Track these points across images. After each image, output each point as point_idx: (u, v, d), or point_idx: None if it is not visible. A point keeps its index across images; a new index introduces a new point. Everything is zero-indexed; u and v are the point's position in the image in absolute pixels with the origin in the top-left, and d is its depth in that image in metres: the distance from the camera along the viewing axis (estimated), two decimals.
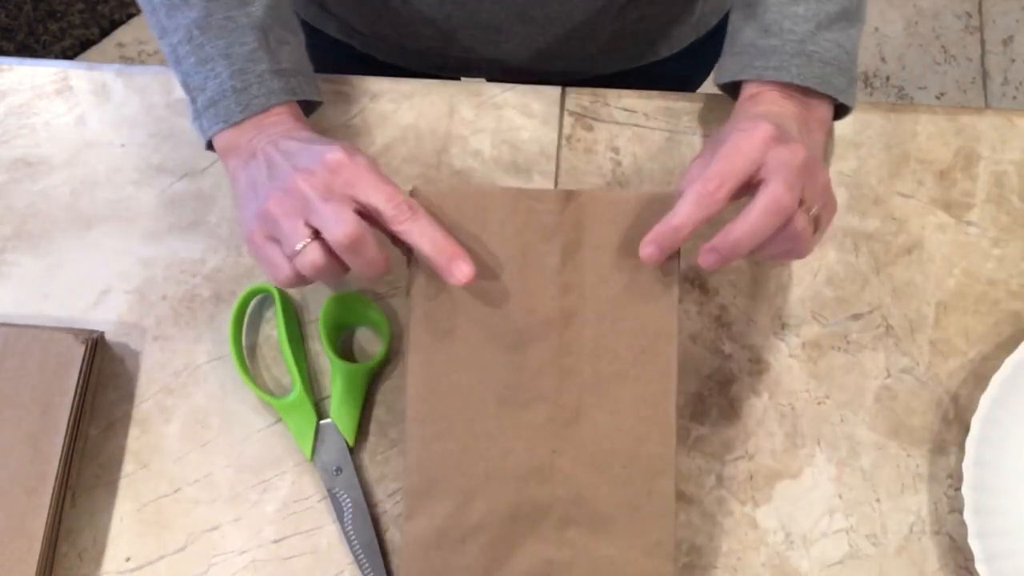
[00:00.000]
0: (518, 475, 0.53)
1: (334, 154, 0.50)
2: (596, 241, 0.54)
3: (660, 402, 0.53)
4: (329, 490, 0.57)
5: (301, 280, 0.52)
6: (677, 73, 0.83)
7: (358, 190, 0.50)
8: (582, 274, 0.54)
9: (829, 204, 0.53)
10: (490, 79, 0.86)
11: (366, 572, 0.55)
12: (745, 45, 0.57)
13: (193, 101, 0.56)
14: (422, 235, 0.50)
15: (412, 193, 0.54)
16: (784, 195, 0.48)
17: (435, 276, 0.53)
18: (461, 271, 0.50)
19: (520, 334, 0.54)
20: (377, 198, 0.50)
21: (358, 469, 0.58)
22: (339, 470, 0.57)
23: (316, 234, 0.50)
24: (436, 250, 0.50)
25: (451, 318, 0.54)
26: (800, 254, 0.52)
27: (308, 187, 0.50)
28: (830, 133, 0.65)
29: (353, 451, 0.58)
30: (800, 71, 0.55)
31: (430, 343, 0.53)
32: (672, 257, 0.53)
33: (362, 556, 0.56)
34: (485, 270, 0.54)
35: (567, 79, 0.70)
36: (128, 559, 0.57)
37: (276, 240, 0.51)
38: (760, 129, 0.50)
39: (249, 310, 0.61)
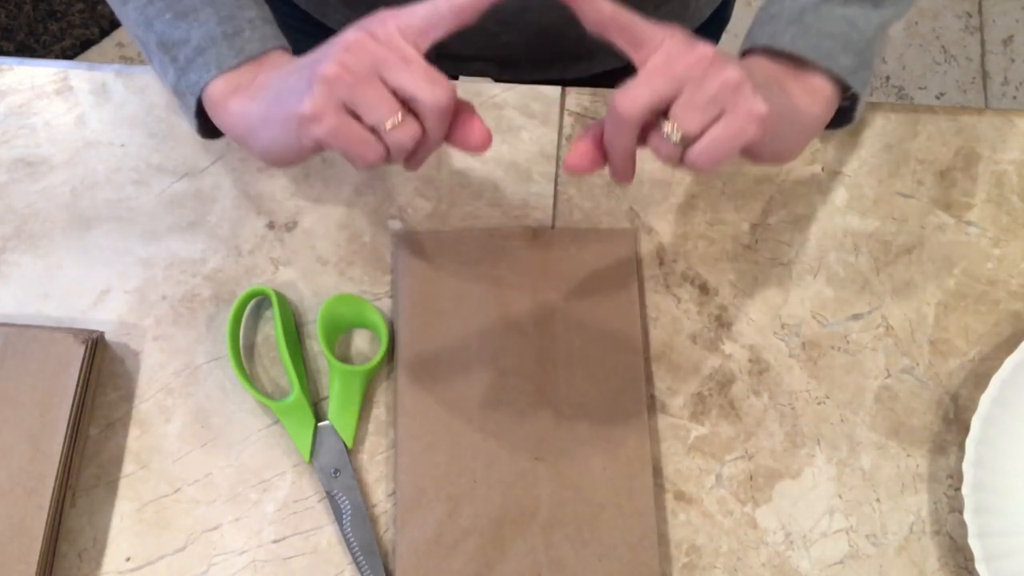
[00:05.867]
0: (503, 481, 0.56)
1: (369, 24, 0.44)
2: (563, 271, 0.61)
3: (633, 407, 0.58)
4: (328, 492, 0.57)
5: (387, 160, 0.46)
6: None
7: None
8: (553, 300, 0.60)
9: (736, 111, 0.44)
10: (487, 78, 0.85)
11: (365, 574, 0.55)
12: (756, 15, 0.56)
13: (174, 59, 0.51)
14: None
15: (395, 239, 0.61)
16: (626, 105, 0.44)
17: (421, 299, 0.59)
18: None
19: (500, 355, 0.59)
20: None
21: (356, 470, 0.58)
22: (337, 472, 0.57)
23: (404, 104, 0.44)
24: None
25: (437, 342, 0.59)
26: (694, 166, 0.45)
27: (374, 44, 0.43)
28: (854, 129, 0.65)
29: (351, 452, 0.58)
30: (793, 39, 0.52)
31: (418, 365, 0.58)
32: (631, 279, 0.60)
33: (361, 558, 0.56)
34: (465, 302, 0.59)
35: (564, 80, 0.69)
36: (128, 559, 0.57)
37: (354, 113, 0.45)
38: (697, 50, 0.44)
39: (247, 311, 0.61)
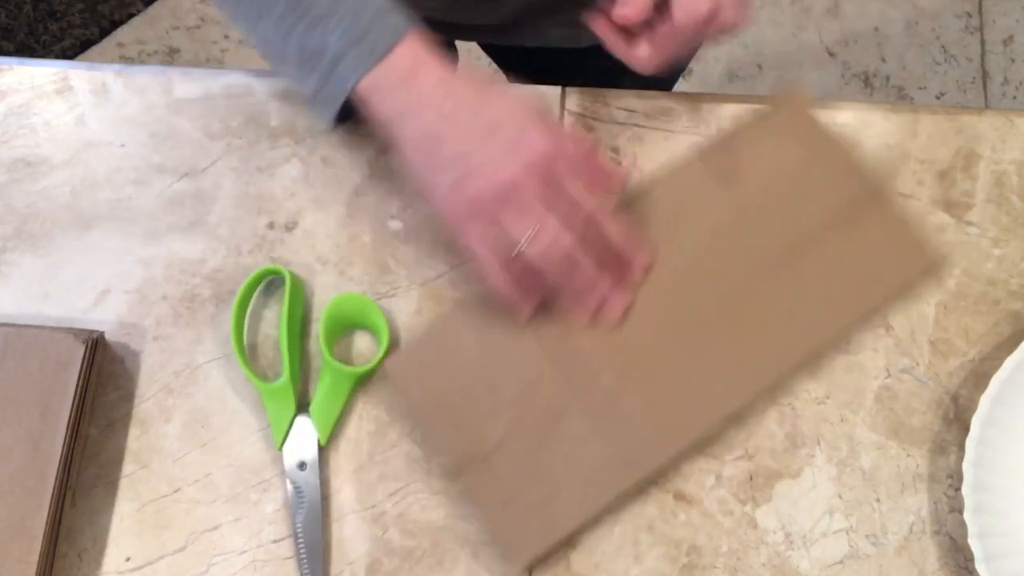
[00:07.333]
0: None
1: (541, 143, 0.52)
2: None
3: None
4: (293, 484, 0.57)
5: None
6: None
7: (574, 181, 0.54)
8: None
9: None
10: (490, 45, 0.85)
11: (304, 572, 0.55)
12: None
13: (314, 69, 0.54)
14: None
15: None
16: None
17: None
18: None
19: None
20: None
21: (323, 468, 0.58)
22: (303, 465, 0.57)
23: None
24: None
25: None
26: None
27: (529, 190, 0.52)
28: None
29: (323, 451, 0.58)
30: None
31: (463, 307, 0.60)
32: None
33: (304, 556, 0.55)
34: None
35: (566, 46, 0.69)
36: (128, 559, 0.57)
37: (495, 234, 0.53)
38: None
39: (257, 292, 0.61)
